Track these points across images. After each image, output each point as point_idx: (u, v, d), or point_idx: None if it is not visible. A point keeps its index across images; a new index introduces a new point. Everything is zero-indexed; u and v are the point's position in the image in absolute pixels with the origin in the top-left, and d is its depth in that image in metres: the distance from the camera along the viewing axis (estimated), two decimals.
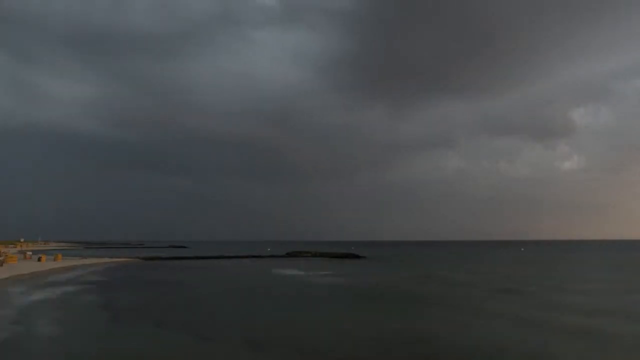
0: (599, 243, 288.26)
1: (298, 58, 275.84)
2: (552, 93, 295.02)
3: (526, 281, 41.95)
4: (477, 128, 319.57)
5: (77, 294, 31.67)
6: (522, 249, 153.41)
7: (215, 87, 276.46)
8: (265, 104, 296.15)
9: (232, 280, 44.81)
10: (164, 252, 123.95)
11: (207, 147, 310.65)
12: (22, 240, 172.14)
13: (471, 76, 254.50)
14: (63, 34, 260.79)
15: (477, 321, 21.61)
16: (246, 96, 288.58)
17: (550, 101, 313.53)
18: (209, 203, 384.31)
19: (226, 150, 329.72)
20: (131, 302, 27.80)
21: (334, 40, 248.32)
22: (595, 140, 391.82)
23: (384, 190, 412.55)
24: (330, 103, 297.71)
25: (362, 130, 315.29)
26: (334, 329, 19.86)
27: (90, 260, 72.80)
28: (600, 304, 27.67)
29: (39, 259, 65.02)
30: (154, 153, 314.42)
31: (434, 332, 18.92)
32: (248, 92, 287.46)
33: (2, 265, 52.22)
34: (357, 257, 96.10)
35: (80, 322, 21.37)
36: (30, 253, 76.98)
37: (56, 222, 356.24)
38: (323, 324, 21.02)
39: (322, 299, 30.79)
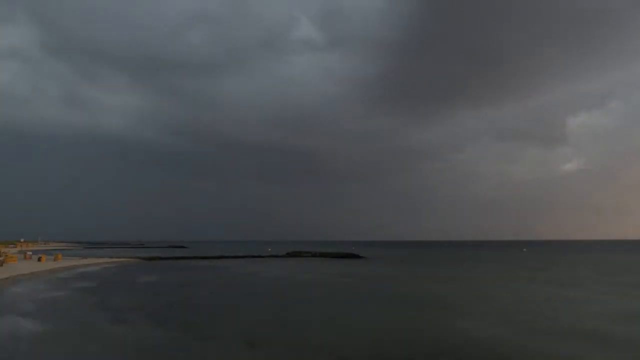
0: (599, 243, 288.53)
1: (330, 76, 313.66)
2: (552, 104, 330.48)
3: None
4: (485, 134, 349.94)
5: (76, 293, 31.65)
6: (525, 249, 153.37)
7: (251, 101, 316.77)
8: (296, 115, 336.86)
9: (231, 280, 44.71)
10: (163, 252, 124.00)
11: (239, 154, 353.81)
12: (22, 240, 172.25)
13: (480, 90, 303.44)
14: (126, 57, 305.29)
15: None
16: (278, 109, 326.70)
17: (551, 110, 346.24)
18: (234, 204, 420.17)
19: (258, 156, 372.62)
20: (130, 302, 27.80)
21: (364, 62, 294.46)
22: (594, 144, 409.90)
23: (399, 192, 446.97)
24: (356, 114, 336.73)
25: (385, 137, 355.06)
26: (321, 326, 19.86)
27: (90, 260, 72.77)
28: None
29: (39, 259, 64.96)
30: (191, 158, 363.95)
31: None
32: (280, 105, 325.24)
33: (2, 265, 52.17)
34: (357, 257, 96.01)
35: (79, 321, 21.35)
36: (31, 253, 76.91)
37: (76, 222, 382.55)
38: (310, 323, 20.88)
39: (299, 298, 30.68)
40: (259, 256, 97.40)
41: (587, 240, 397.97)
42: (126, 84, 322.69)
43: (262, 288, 36.93)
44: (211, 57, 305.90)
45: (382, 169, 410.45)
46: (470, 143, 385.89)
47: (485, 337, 18.15)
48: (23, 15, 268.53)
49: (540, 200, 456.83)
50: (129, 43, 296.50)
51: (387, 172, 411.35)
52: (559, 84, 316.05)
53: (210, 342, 17.08)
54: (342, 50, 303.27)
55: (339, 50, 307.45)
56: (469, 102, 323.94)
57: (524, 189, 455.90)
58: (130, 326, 20.26)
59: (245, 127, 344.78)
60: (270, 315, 23.36)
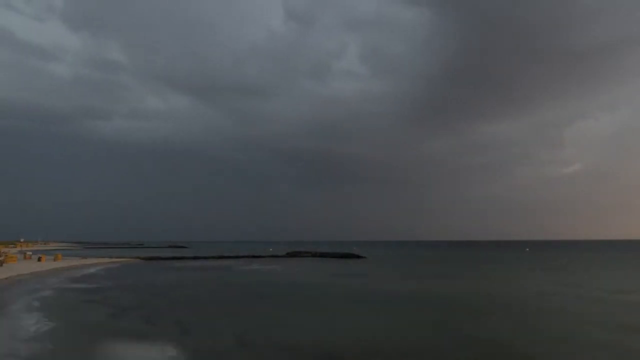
0: (601, 243, 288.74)
1: (367, 98, 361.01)
2: (556, 114, 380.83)
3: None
4: (499, 142, 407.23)
5: (76, 293, 31.68)
6: (527, 249, 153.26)
7: (294, 115, 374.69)
8: (333, 128, 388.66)
9: (230, 280, 44.72)
10: (163, 252, 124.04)
11: (280, 161, 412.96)
12: (22, 240, 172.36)
13: (496, 109, 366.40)
14: (194, 82, 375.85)
15: None
16: (317, 123, 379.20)
17: (554, 120, 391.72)
18: (270, 206, 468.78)
19: (297, 163, 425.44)
20: (129, 301, 27.88)
21: (398, 87, 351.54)
22: (593, 147, 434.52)
23: (415, 195, 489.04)
24: (390, 128, 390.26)
25: (410, 146, 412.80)
26: (315, 327, 19.88)
27: (90, 260, 72.80)
28: None
29: (39, 259, 65.00)
30: (237, 165, 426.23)
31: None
32: (319, 118, 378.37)
33: (1, 265, 52.18)
34: (357, 257, 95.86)
35: (78, 321, 21.43)
36: (30, 253, 76.97)
37: (92, 222, 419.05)
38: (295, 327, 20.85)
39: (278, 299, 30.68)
40: (260, 256, 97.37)
41: (585, 241, 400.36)
42: (191, 103, 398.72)
43: (259, 288, 36.91)
44: (264, 83, 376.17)
45: (407, 173, 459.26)
46: (477, 151, 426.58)
47: (496, 338, 18.14)
48: (117, 44, 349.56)
49: (540, 200, 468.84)
50: (197, 71, 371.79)
51: (413, 175, 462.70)
52: (560, 99, 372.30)
53: (201, 340, 17.24)
54: (380, 78, 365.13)
55: (377, 78, 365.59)
56: (485, 117, 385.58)
57: (526, 190, 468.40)
58: (127, 325, 20.41)
59: (286, 138, 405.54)
60: (266, 316, 23.38)
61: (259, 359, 15.04)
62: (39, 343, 16.57)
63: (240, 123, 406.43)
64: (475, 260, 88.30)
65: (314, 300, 30.07)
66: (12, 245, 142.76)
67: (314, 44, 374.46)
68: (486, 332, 19.23)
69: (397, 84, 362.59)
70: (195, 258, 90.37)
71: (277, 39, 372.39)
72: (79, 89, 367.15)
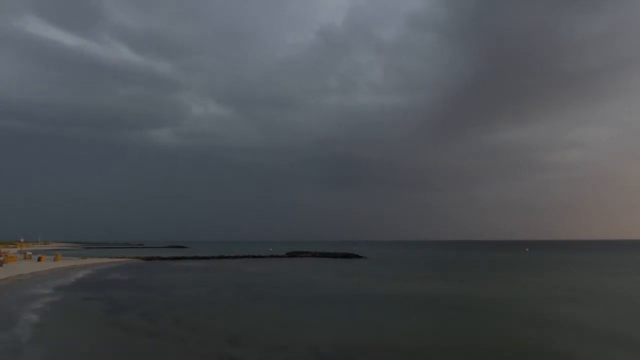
0: (597, 243, 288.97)
1: (386, 110, 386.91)
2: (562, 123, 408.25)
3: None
4: (509, 148, 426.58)
5: (76, 293, 31.74)
6: (527, 249, 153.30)
7: (322, 124, 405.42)
8: (359, 134, 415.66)
9: (228, 280, 44.75)
10: (163, 252, 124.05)
11: (307, 165, 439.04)
12: (22, 240, 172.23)
13: (502, 119, 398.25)
14: (234, 95, 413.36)
15: None
16: (340, 130, 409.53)
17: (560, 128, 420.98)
18: (290, 206, 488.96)
19: (321, 166, 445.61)
20: (127, 300, 28.00)
21: (416, 99, 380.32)
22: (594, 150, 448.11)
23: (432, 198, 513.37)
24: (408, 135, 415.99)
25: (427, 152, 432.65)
26: (308, 327, 19.93)
27: (90, 260, 72.82)
28: None
29: (39, 259, 65.01)
30: (272, 170, 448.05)
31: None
32: (346, 127, 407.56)
33: (2, 265, 52.19)
34: (357, 257, 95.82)
35: (77, 320, 21.55)
36: (30, 253, 77.02)
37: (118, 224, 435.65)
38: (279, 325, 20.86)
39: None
40: (260, 256, 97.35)
41: (583, 241, 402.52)
42: (231, 113, 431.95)
43: (258, 288, 36.94)
44: (293, 95, 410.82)
45: (423, 176, 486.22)
46: (485, 155, 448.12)
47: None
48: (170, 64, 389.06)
49: (540, 201, 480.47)
50: (235, 85, 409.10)
51: (428, 178, 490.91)
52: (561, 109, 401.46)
53: (194, 338, 17.44)
54: (401, 93, 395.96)
55: (397, 92, 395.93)
56: (499, 124, 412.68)
57: (527, 192, 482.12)
58: (125, 322, 20.72)
59: (310, 145, 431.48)
60: (265, 315, 23.47)
61: (254, 358, 15.06)
62: (39, 343, 16.61)
63: (269, 132, 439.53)
64: (481, 261, 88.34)
65: (313, 300, 30.08)
66: (12, 245, 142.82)
67: (342, 61, 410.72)
68: (485, 332, 19.27)
69: (415, 97, 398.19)
70: (195, 258, 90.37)
71: (307, 56, 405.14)
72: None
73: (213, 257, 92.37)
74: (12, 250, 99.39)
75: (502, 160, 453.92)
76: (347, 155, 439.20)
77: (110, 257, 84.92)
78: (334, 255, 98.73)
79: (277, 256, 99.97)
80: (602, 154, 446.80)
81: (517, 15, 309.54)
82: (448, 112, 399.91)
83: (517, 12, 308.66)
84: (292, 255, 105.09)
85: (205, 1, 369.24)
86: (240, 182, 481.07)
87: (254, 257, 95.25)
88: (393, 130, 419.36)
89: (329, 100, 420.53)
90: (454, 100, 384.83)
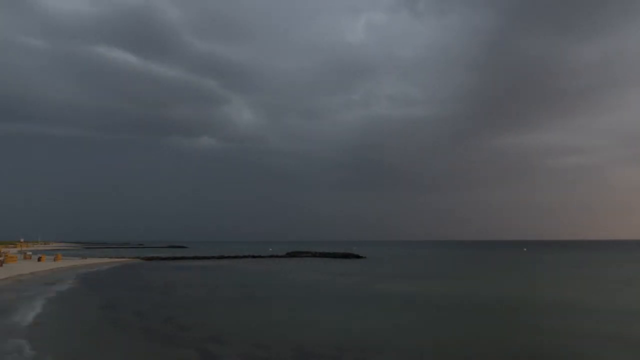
0: (597, 243, 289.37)
1: (408, 119, 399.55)
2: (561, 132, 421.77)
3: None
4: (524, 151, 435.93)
5: (75, 293, 31.88)
6: (525, 249, 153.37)
7: (346, 129, 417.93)
8: (382, 141, 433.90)
9: (226, 280, 44.83)
10: (163, 252, 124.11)
11: (328, 169, 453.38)
12: (22, 240, 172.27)
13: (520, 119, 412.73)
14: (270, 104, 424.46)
15: None
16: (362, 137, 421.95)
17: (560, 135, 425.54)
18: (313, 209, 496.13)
19: (342, 170, 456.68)
20: (125, 300, 28.27)
21: (434, 107, 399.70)
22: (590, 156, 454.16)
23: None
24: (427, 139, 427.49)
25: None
26: (298, 327, 20.00)
27: (90, 260, 72.89)
28: None
29: (39, 259, 65.07)
30: (298, 174, 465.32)
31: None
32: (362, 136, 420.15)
33: (2, 265, 52.25)
34: (357, 257, 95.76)
35: (76, 319, 21.68)
36: (31, 253, 77.11)
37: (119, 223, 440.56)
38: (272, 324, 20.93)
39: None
40: (259, 256, 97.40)
41: (581, 241, 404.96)
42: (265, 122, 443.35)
43: (257, 288, 37.03)
44: (324, 105, 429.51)
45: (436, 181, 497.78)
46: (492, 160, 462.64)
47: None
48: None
49: (541, 202, 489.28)
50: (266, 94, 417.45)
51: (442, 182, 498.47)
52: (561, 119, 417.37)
53: (179, 335, 17.88)
54: (422, 103, 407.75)
55: (419, 104, 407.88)
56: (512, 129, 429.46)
57: (527, 193, 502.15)
58: (118, 320, 21.22)
59: (335, 151, 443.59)
60: (253, 314, 23.63)
61: (232, 355, 15.16)
62: (39, 342, 16.70)
63: (295, 139, 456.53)
64: (479, 260, 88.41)
65: (310, 300, 30.20)
66: (12, 245, 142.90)
67: (365, 76, 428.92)
68: (485, 331, 19.34)
69: (433, 108, 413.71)
70: (194, 258, 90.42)
71: (331, 74, 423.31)
72: None
73: (213, 257, 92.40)
74: (12, 250, 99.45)
75: (503, 165, 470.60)
76: (364, 159, 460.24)
77: (110, 257, 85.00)
78: (334, 255, 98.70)
79: (277, 256, 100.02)
80: (597, 159, 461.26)
81: (525, 44, 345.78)
82: (455, 122, 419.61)
83: (524, 41, 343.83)
84: (292, 255, 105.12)
85: (249, 27, 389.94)
86: (263, 184, 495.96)
87: (254, 257, 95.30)
88: (404, 140, 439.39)
89: (350, 112, 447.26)
90: (464, 113, 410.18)
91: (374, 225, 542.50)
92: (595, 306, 26.14)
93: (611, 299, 29.51)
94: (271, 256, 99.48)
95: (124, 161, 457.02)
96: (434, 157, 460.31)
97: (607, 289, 36.38)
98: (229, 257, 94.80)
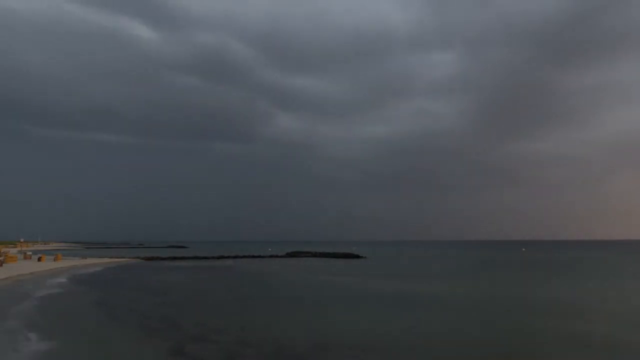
0: (596, 243, 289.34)
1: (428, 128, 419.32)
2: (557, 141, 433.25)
3: None
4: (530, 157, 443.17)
5: (75, 293, 31.93)
6: (524, 249, 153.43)
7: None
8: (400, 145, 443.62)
9: (224, 280, 44.89)
10: (163, 252, 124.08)
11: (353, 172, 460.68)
12: (22, 240, 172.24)
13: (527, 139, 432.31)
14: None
15: None
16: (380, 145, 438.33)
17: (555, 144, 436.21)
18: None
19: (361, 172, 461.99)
20: (124, 300, 28.42)
21: (452, 108, 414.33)
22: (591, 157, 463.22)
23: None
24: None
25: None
26: (289, 325, 20.03)
27: (90, 260, 72.93)
28: None
29: (39, 259, 65.08)
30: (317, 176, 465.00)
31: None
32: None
33: (2, 265, 52.27)
34: (357, 257, 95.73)
35: (76, 319, 21.79)
36: (30, 253, 77.10)
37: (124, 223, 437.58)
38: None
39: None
40: (259, 256, 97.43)
41: (581, 241, 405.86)
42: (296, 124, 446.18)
43: (256, 288, 37.10)
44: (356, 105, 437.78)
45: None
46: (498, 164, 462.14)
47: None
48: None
49: (534, 205, 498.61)
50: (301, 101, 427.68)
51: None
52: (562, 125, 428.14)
53: (164, 334, 18.08)
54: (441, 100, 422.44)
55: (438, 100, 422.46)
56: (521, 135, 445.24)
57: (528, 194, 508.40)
58: (120, 321, 21.29)
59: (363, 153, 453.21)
60: (245, 313, 23.86)
61: (210, 352, 15.27)
62: (39, 342, 16.74)
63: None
64: (478, 260, 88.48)
65: (309, 300, 30.23)
66: (12, 245, 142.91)
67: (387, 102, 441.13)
68: (483, 331, 19.38)
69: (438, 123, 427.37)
70: (194, 258, 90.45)
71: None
72: None
73: (213, 257, 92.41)
74: (12, 250, 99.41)
75: (501, 172, 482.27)
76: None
77: (110, 257, 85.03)
78: (334, 255, 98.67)
79: (276, 256, 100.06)
80: (588, 166, 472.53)
81: (529, 69, 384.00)
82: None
83: (530, 67, 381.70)
84: (291, 255, 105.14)
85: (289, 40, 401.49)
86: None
87: (254, 257, 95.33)
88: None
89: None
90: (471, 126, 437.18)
91: (370, 224, 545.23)
92: None
93: None
94: (271, 256, 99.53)
95: (124, 161, 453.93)
96: (447, 163, 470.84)
97: None
98: (228, 257, 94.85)
